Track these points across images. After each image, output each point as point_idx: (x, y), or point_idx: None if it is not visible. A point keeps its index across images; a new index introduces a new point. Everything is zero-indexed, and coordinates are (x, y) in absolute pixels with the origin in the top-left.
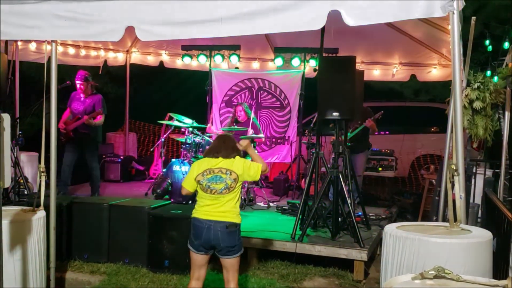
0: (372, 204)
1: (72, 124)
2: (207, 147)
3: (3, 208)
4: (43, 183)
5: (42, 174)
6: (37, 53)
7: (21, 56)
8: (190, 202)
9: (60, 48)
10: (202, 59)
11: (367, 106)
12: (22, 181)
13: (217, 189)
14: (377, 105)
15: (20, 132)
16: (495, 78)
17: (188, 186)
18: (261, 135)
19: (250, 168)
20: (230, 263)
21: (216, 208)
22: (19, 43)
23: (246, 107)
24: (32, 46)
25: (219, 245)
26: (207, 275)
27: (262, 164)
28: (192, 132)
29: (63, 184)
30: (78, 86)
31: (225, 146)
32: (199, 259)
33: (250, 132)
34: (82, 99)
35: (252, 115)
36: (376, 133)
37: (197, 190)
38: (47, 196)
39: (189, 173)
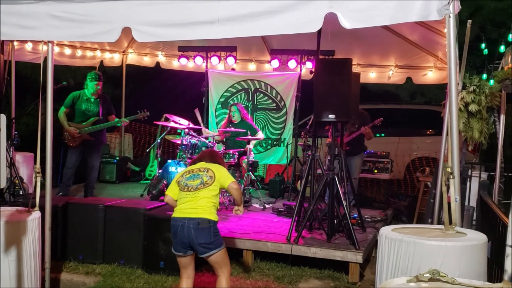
0: (367, 206)
1: (91, 126)
2: (204, 148)
3: None
4: (38, 184)
5: (37, 174)
6: (33, 53)
7: (17, 56)
8: None
9: (56, 49)
10: (199, 60)
11: (363, 109)
12: (17, 181)
13: (193, 185)
14: (373, 107)
15: (16, 132)
16: (491, 81)
17: (170, 192)
18: (259, 133)
19: (225, 172)
20: (213, 260)
21: (191, 205)
22: (15, 43)
23: (236, 109)
24: (28, 46)
25: (193, 243)
26: (204, 277)
27: (237, 187)
28: (188, 133)
29: (65, 185)
30: (91, 86)
31: (210, 155)
32: (181, 260)
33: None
34: (92, 100)
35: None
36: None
37: (177, 194)
38: (42, 196)
39: (171, 182)
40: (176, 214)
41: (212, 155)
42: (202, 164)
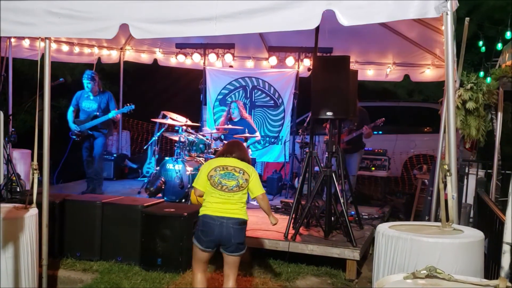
0: (365, 204)
1: (89, 122)
2: (201, 146)
3: None
4: (35, 181)
5: (34, 171)
6: (30, 50)
7: (14, 52)
8: (183, 200)
9: (54, 45)
10: (196, 57)
11: (362, 106)
12: (14, 178)
13: (228, 185)
14: (370, 105)
15: (13, 129)
16: (488, 79)
17: (200, 186)
18: (257, 134)
19: (258, 181)
20: (234, 260)
21: (227, 206)
22: (13, 40)
23: (236, 106)
24: (26, 42)
25: (229, 242)
26: None
27: (266, 198)
28: (185, 131)
29: (91, 179)
30: (85, 85)
31: (239, 149)
32: (205, 256)
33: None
34: (91, 97)
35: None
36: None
37: (206, 187)
38: (39, 193)
39: (199, 174)
40: (211, 212)
41: (241, 149)
42: (234, 162)
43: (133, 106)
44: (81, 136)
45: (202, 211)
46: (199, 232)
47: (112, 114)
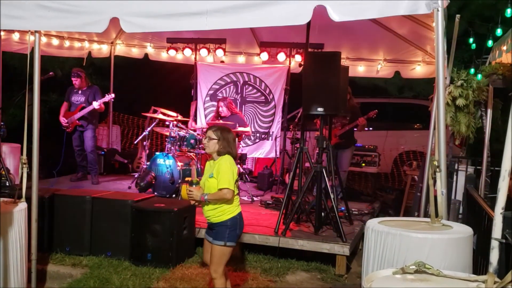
0: (355, 199)
1: (78, 113)
2: (192, 141)
3: None
4: (25, 175)
5: (24, 165)
6: (20, 43)
7: (4, 46)
8: (174, 195)
9: (44, 39)
10: (188, 52)
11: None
12: (3, 172)
13: (237, 185)
14: (361, 101)
15: (2, 123)
16: (478, 76)
17: (234, 186)
18: (247, 128)
19: None
20: None
21: None
22: (2, 33)
23: (223, 105)
24: (15, 36)
25: None
26: (192, 269)
27: None
28: (176, 126)
29: (80, 166)
30: (73, 82)
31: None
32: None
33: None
34: (80, 91)
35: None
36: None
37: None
38: (28, 188)
39: (232, 176)
40: (239, 209)
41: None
42: None
43: (113, 95)
44: (71, 128)
45: (236, 211)
46: (237, 231)
47: (95, 104)
